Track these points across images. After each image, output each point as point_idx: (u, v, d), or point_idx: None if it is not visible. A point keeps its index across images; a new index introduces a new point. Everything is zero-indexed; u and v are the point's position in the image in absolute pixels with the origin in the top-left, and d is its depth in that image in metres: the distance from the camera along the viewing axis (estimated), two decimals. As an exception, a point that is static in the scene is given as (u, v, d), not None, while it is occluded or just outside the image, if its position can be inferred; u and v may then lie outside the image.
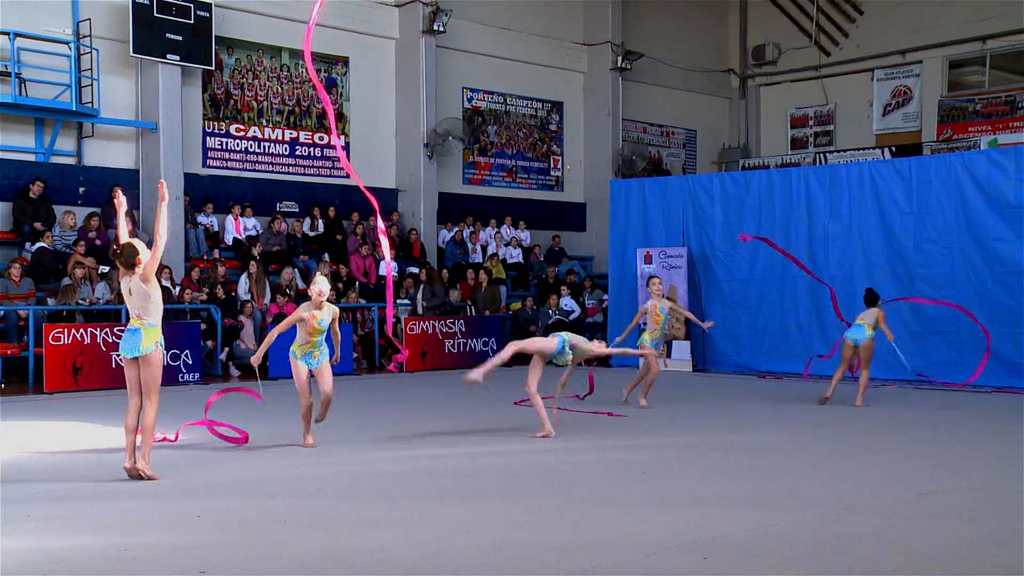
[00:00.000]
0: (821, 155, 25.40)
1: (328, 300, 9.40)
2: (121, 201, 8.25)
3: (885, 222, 15.81)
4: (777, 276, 16.78)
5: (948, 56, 24.86)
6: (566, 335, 9.74)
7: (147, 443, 7.67)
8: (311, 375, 9.17)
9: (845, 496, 7.05)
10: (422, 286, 18.81)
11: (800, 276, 15.93)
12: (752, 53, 27.81)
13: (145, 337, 7.60)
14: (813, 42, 26.81)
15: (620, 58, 24.48)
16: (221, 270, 17.13)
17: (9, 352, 14.62)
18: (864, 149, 24.44)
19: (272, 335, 9.15)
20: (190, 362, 15.03)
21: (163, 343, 7.74)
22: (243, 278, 17.52)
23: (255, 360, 9.08)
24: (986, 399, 13.12)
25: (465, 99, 23.05)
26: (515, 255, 22.22)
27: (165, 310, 15.66)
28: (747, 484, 7.54)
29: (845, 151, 24.87)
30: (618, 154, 24.61)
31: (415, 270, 19.66)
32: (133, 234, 8.11)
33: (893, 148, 23.92)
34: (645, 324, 12.42)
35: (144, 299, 7.74)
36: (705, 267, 17.66)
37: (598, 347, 10.07)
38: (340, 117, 21.04)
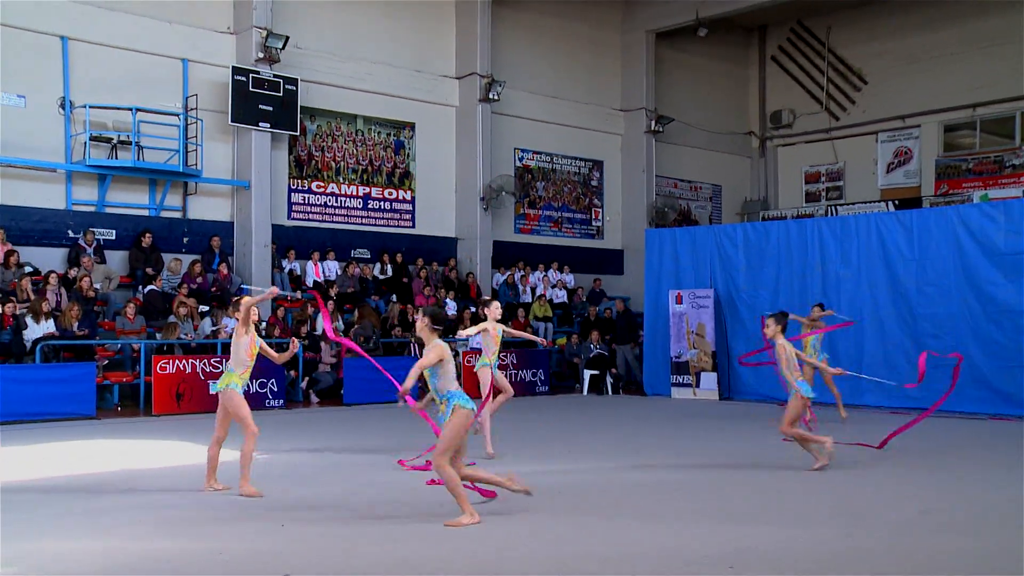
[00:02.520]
0: (832, 207, 25.21)
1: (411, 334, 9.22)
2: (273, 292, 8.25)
3: (890, 268, 15.65)
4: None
5: (943, 121, 24.68)
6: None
7: (245, 467, 7.72)
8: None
9: (855, 513, 6.98)
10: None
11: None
12: (770, 117, 27.73)
13: (224, 378, 7.81)
14: (824, 108, 26.71)
15: (653, 122, 24.52)
16: (310, 310, 17.38)
17: (124, 379, 14.88)
18: (870, 202, 24.22)
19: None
20: (275, 389, 15.20)
21: (236, 386, 7.71)
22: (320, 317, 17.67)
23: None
24: (983, 426, 12.88)
25: (517, 158, 23.20)
26: (560, 296, 22.22)
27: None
28: (768, 501, 7.49)
29: (853, 204, 24.67)
30: (652, 206, 24.58)
31: (473, 309, 19.73)
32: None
33: (896, 202, 23.71)
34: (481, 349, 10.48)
35: (235, 348, 7.89)
36: (730, 307, 17.54)
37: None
38: (407, 175, 21.30)
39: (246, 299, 7.86)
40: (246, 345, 7.82)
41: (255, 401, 14.61)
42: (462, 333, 10.54)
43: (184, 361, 14.41)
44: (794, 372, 9.01)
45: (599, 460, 9.58)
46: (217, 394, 7.84)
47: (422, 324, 6.72)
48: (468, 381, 14.79)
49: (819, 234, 16.59)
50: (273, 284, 18.26)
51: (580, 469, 9.05)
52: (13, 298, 14.28)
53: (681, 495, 7.78)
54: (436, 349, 6.58)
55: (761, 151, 28.05)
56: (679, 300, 17.87)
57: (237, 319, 7.83)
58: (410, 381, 6.45)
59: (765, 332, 9.21)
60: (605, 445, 10.42)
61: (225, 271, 17.59)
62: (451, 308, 19.67)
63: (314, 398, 16.19)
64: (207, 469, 7.90)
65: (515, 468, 9.04)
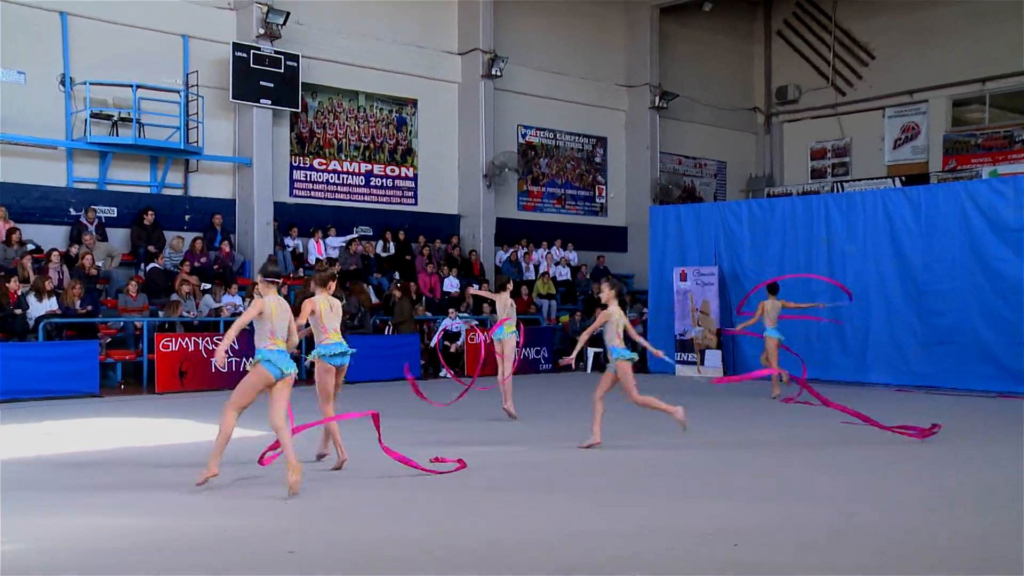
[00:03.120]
0: (838, 184, 25.12)
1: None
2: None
3: (896, 244, 15.63)
4: (800, 293, 16.61)
5: (952, 96, 24.54)
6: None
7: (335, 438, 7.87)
8: None
9: (856, 491, 7.01)
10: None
11: (821, 293, 15.81)
12: (776, 93, 27.61)
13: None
14: (830, 83, 26.57)
15: (658, 98, 24.43)
16: (312, 286, 17.34)
17: (127, 358, 14.96)
18: (877, 179, 24.12)
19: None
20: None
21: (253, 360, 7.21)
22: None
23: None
24: (988, 403, 12.91)
25: (519, 135, 23.15)
26: (564, 273, 22.24)
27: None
28: (769, 479, 7.52)
29: (860, 180, 24.57)
30: (656, 183, 24.54)
31: (476, 286, 19.73)
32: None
33: (903, 178, 23.60)
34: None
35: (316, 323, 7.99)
36: (735, 284, 17.53)
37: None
38: (409, 152, 21.28)
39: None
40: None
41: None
42: (478, 293, 11.54)
43: (187, 339, 14.46)
44: (615, 340, 9.02)
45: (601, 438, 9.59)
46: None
47: (258, 279, 7.13)
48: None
49: (825, 210, 16.56)
50: (275, 260, 18.30)
51: (580, 450, 9.08)
52: (15, 276, 14.31)
53: (683, 472, 7.81)
54: (257, 304, 6.87)
55: (766, 127, 27.94)
56: (683, 277, 17.88)
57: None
58: (227, 340, 6.70)
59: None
60: (607, 423, 10.48)
61: (227, 249, 17.62)
62: (454, 285, 19.70)
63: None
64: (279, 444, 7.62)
65: (516, 447, 9.09)
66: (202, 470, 6.91)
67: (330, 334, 7.74)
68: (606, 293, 9.19)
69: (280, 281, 7.13)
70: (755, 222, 17.40)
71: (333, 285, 7.97)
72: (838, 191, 23.30)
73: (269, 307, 6.86)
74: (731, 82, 27.32)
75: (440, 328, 16.95)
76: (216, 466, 6.84)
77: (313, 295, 7.93)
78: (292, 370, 6.86)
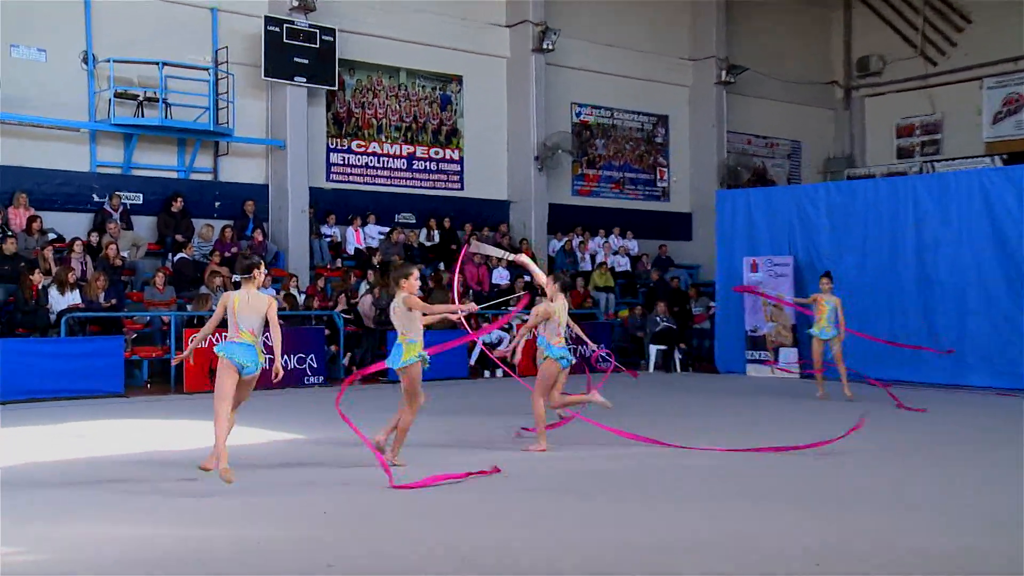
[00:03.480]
0: (928, 164, 24.58)
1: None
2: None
3: (998, 230, 15.19)
4: (885, 284, 16.29)
5: (1062, 62, 23.86)
6: None
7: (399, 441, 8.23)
8: None
9: (952, 507, 6.76)
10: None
11: (909, 283, 15.48)
12: (857, 64, 27.12)
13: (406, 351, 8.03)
14: (919, 52, 26.00)
15: (724, 72, 24.15)
16: (352, 279, 17.43)
17: (154, 355, 15.09)
18: (974, 157, 23.54)
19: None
20: (315, 365, 15.28)
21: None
22: (363, 285, 17.76)
23: None
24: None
25: (573, 114, 23.01)
26: (623, 264, 22.07)
27: (290, 315, 16.03)
28: (855, 489, 7.31)
29: (954, 160, 24.02)
30: (723, 165, 24.28)
31: (528, 278, 19.62)
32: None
33: (1004, 156, 22.94)
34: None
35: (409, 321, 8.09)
36: (812, 275, 17.10)
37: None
38: (454, 133, 21.24)
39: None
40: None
41: (292, 378, 14.74)
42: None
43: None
44: (554, 338, 9.04)
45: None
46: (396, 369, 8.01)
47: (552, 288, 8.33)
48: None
49: (913, 193, 16.19)
50: (311, 251, 18.40)
51: (642, 452, 8.93)
52: (36, 268, 14.49)
53: (755, 481, 7.65)
54: (221, 300, 7.70)
55: (846, 102, 27.48)
56: (754, 268, 17.65)
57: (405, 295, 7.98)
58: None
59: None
60: (670, 426, 10.28)
61: (260, 238, 17.71)
62: (503, 278, 19.61)
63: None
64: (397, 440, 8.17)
65: (571, 451, 8.96)
66: (211, 456, 7.30)
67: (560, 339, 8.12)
68: (550, 286, 9.20)
69: (252, 275, 7.70)
70: (834, 207, 17.10)
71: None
72: (928, 172, 22.80)
73: (232, 301, 7.59)
74: (806, 53, 26.89)
75: (477, 348, 16.74)
76: (213, 461, 7.27)
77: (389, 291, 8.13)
78: (244, 363, 7.46)
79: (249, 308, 7.60)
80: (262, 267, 7.91)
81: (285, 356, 14.55)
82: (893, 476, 7.85)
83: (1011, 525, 6.07)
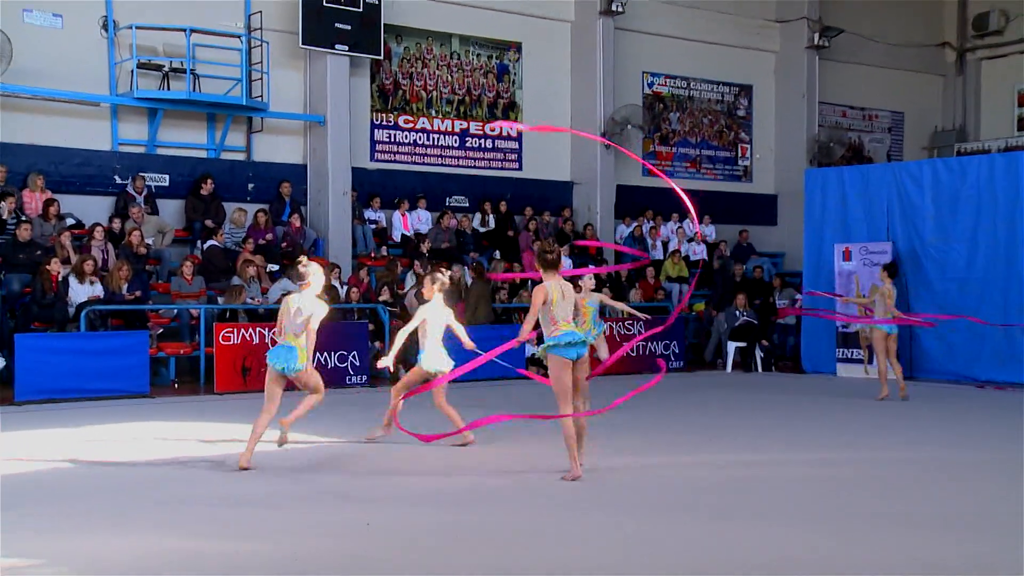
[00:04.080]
0: (1055, 138, 24.09)
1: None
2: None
3: None
4: (1000, 275, 15.97)
5: None
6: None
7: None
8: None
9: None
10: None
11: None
12: (973, 23, 26.52)
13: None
14: (1049, 7, 25.42)
15: (817, 35, 23.87)
16: (399, 269, 17.53)
17: (182, 351, 15.27)
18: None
19: None
20: (357, 364, 15.38)
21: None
22: (409, 276, 17.83)
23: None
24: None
25: (645, 84, 22.91)
26: (699, 252, 21.91)
27: (333, 310, 16.34)
28: (963, 505, 7.18)
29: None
30: (814, 141, 24.01)
31: (593, 267, 19.56)
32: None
33: None
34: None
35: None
36: (914, 265, 16.98)
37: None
38: (512, 106, 21.25)
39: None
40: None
41: (333, 377, 14.85)
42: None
43: (251, 330, 14.68)
44: (432, 342, 9.59)
45: (735, 449, 9.49)
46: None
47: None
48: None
49: (1035, 171, 15.91)
50: (353, 238, 18.51)
51: (714, 462, 8.87)
52: (54, 256, 14.72)
53: (843, 494, 7.59)
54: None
55: (959, 67, 27.01)
56: (847, 256, 17.48)
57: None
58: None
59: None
60: (751, 434, 10.20)
61: (297, 223, 17.87)
62: (566, 267, 19.52)
63: (403, 373, 16.29)
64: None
65: (642, 459, 8.93)
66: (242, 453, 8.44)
67: (560, 324, 8.00)
68: (428, 287, 9.64)
69: (306, 282, 8.63)
70: (941, 187, 16.83)
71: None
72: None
73: (284, 304, 8.71)
74: (913, 11, 26.43)
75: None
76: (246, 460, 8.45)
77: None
78: (276, 364, 8.45)
79: (296, 313, 8.58)
80: (318, 273, 8.72)
81: (324, 354, 14.69)
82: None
83: None
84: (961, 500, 7.51)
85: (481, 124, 20.90)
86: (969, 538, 6.30)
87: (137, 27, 16.76)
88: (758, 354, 18.38)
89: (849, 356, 17.36)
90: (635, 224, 21.62)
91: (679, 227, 22.14)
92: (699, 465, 8.79)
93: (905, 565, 5.68)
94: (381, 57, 19.28)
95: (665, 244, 21.79)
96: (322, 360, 14.75)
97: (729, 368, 18.39)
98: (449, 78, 20.60)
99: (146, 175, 17.18)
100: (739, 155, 24.39)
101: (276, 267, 16.87)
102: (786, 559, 5.82)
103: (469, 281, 17.49)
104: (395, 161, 19.98)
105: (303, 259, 8.91)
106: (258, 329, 14.72)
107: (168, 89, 17.20)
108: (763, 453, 9.41)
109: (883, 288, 14.09)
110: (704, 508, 7.17)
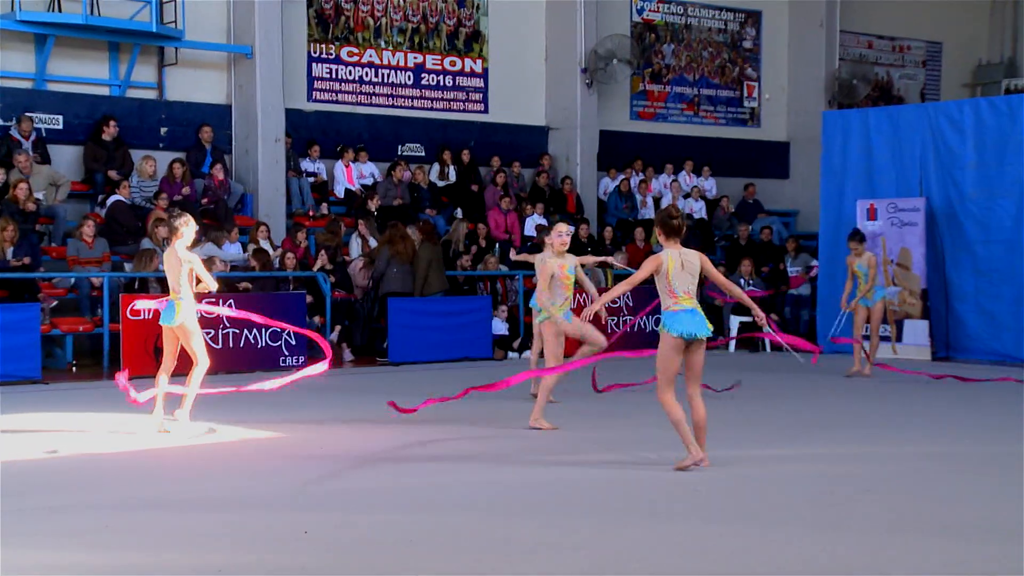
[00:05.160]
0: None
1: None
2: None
3: None
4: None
5: None
6: None
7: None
8: None
9: None
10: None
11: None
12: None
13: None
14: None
15: (837, -50, 23.97)
16: (342, 231, 17.41)
17: (81, 328, 15.10)
18: None
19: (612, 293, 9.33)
20: (293, 342, 15.21)
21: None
22: (354, 239, 17.65)
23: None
24: None
25: (634, 10, 22.88)
26: (697, 209, 21.92)
27: (264, 278, 16.25)
28: (1006, 510, 7.17)
29: None
30: (834, 78, 24.13)
31: (571, 228, 19.44)
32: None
33: None
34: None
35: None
36: (951, 224, 17.06)
37: None
38: (476, 37, 21.08)
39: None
40: None
41: (264, 359, 14.70)
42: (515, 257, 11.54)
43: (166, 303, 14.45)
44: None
45: (749, 443, 9.52)
46: None
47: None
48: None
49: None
50: (288, 193, 18.35)
51: (717, 456, 8.79)
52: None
53: (875, 496, 7.61)
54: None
55: (1008, -11, 27.11)
56: (872, 214, 17.57)
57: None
58: None
59: None
60: (771, 428, 10.19)
61: (221, 175, 17.70)
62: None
63: (347, 355, 16.22)
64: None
65: (626, 455, 8.86)
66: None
67: (680, 298, 8.32)
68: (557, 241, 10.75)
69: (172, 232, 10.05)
70: (985, 131, 16.90)
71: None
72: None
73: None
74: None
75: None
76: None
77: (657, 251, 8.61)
78: (163, 320, 10.11)
79: (170, 266, 10.00)
80: (192, 224, 10.06)
81: (253, 331, 14.67)
82: None
83: None
84: None
85: (439, 58, 20.71)
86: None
87: (19, -65, 16.53)
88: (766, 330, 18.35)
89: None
90: (621, 177, 21.62)
91: (674, 180, 22.12)
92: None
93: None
94: (320, -24, 19.15)
95: (657, 201, 21.79)
96: (250, 338, 14.60)
97: (732, 348, 18.36)
98: (401, 2, 20.42)
99: (34, 116, 16.93)
100: (745, 95, 24.45)
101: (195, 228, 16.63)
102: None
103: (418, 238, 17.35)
104: (337, 102, 19.83)
105: (175, 210, 10.63)
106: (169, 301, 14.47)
107: (59, 11, 16.91)
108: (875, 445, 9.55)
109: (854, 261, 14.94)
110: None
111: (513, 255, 14.32)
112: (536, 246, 15.38)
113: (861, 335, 15.05)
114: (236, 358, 14.58)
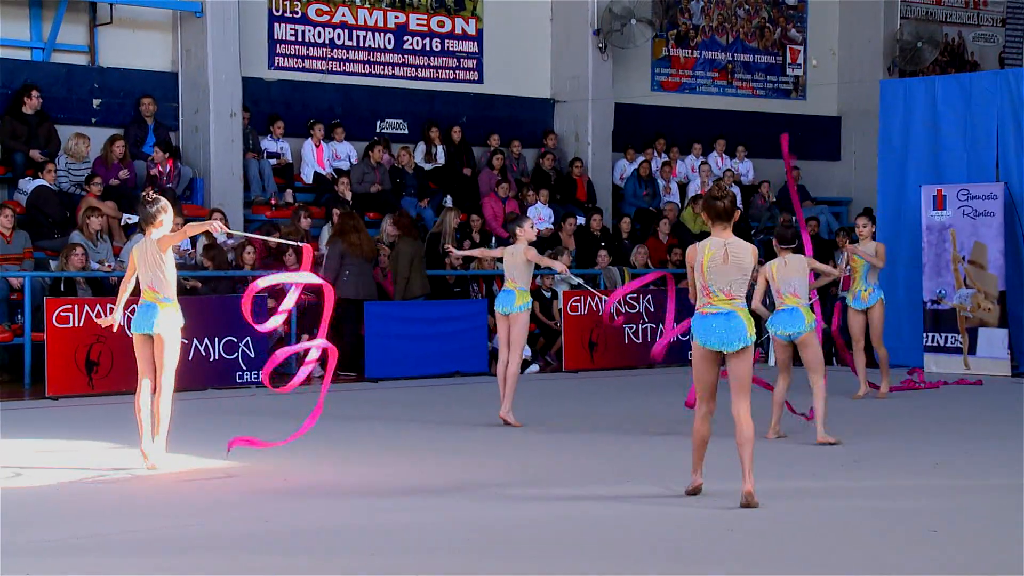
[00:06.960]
0: None
1: None
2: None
3: None
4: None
5: None
6: None
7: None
8: None
9: None
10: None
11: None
12: None
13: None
14: None
15: None
16: (306, 221, 17.32)
17: (-1, 338, 15.13)
18: None
19: None
20: (251, 355, 15.24)
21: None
22: (325, 231, 17.66)
23: None
24: None
25: (657, -38, 22.89)
26: (732, 196, 21.92)
27: (220, 279, 16.29)
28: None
29: None
30: (894, 40, 24.09)
31: (581, 220, 19.51)
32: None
33: None
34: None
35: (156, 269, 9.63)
36: (1034, 213, 17.12)
37: None
38: (470, -7, 21.18)
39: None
40: None
41: (218, 374, 14.72)
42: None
43: (98, 307, 14.42)
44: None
45: (771, 477, 9.41)
46: None
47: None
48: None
49: None
50: (246, 177, 18.34)
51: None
52: None
53: (936, 536, 7.67)
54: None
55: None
56: (939, 203, 17.57)
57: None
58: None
59: None
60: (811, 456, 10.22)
61: (165, 156, 17.61)
62: (544, 218, 19.48)
63: (316, 370, 16.20)
64: None
65: (632, 489, 8.88)
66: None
67: (713, 298, 8.21)
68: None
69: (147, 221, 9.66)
70: (1077, 105, 17.01)
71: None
72: None
73: (132, 256, 9.61)
74: None
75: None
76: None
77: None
78: (139, 329, 9.62)
79: (145, 261, 9.58)
80: (170, 209, 9.72)
81: (205, 341, 14.74)
82: None
83: None
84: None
85: (425, 17, 20.74)
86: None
87: None
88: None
89: (941, 343, 17.42)
90: (641, 159, 21.67)
91: (703, 162, 22.12)
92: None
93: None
94: (283, -81, 19.20)
95: (683, 187, 21.80)
96: (201, 350, 14.60)
97: (771, 360, 18.36)
98: (379, -50, 20.47)
99: (-61, 85, 17.03)
100: (788, 61, 24.51)
101: (134, 218, 16.57)
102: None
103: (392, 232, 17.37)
104: (304, 69, 19.88)
105: (148, 193, 9.82)
106: (108, 306, 14.47)
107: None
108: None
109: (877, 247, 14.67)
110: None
111: (454, 251, 14.78)
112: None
113: (861, 348, 14.75)
114: (185, 374, 14.53)
